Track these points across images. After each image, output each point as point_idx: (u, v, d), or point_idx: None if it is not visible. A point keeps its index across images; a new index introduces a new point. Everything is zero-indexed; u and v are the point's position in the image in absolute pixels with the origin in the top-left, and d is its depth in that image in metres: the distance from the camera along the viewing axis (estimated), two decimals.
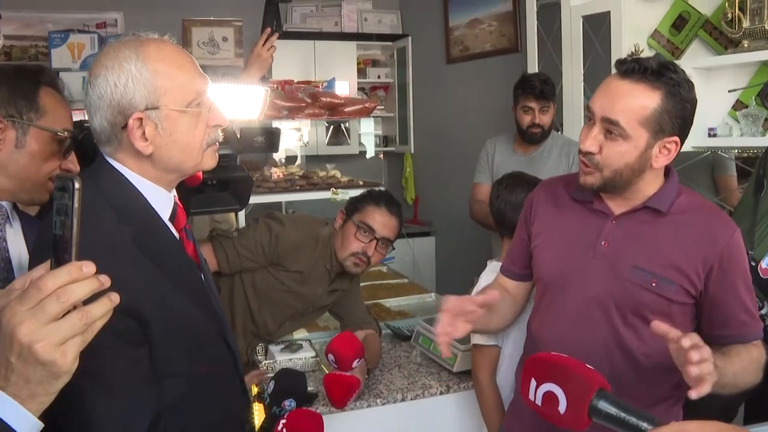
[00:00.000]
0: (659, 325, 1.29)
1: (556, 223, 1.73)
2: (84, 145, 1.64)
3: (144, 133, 1.23)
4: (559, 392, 1.12)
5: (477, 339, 2.08)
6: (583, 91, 3.61)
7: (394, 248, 2.49)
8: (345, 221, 2.45)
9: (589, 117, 1.57)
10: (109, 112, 1.23)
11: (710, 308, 1.58)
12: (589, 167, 1.56)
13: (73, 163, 1.59)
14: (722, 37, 3.14)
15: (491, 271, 2.13)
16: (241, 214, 3.07)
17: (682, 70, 1.53)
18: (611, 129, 1.51)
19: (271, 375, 1.96)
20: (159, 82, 1.23)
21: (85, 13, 4.98)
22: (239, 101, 2.17)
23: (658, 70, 1.49)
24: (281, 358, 2.37)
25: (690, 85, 1.54)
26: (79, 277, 0.81)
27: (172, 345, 1.24)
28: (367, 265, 2.43)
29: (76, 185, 0.82)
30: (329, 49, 5.58)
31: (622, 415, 1.06)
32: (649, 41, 3.45)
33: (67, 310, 0.81)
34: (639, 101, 1.49)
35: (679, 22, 3.33)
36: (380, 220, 2.39)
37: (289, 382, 1.74)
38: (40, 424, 0.85)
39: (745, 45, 2.94)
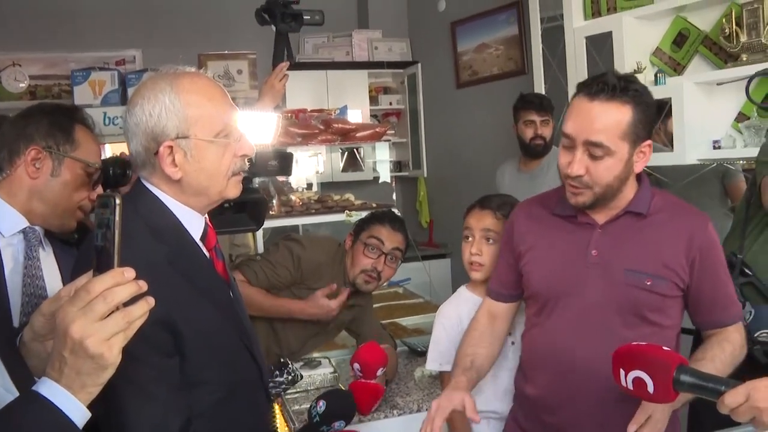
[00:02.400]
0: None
1: (543, 240, 1.80)
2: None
3: (174, 159, 1.32)
4: (644, 376, 1.26)
5: (446, 366, 2.11)
6: None
7: (402, 261, 2.58)
8: (354, 242, 2.56)
9: (564, 145, 1.64)
10: (144, 138, 1.33)
11: (696, 297, 1.67)
12: (580, 188, 1.64)
13: None
14: (722, 51, 3.21)
15: (464, 300, 2.16)
16: (259, 236, 3.17)
17: (637, 80, 1.63)
18: (595, 151, 1.58)
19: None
20: (190, 113, 1.32)
21: (106, 51, 5.14)
22: (253, 127, 2.27)
23: (623, 86, 1.58)
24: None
25: (648, 91, 1.64)
26: (122, 281, 0.92)
27: (203, 356, 1.33)
28: (379, 280, 2.54)
29: (117, 201, 0.93)
30: (341, 78, 5.72)
31: (702, 382, 1.20)
32: (651, 59, 3.53)
33: (112, 310, 0.91)
34: (615, 118, 1.57)
35: (679, 39, 3.41)
36: (386, 235, 2.51)
37: (341, 404, 1.81)
38: (88, 414, 0.95)
39: (744, 59, 3.00)
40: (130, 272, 0.93)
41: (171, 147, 1.32)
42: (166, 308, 1.13)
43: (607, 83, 1.57)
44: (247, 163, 1.44)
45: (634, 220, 1.69)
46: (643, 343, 1.34)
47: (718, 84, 3.20)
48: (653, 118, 1.65)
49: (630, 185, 1.68)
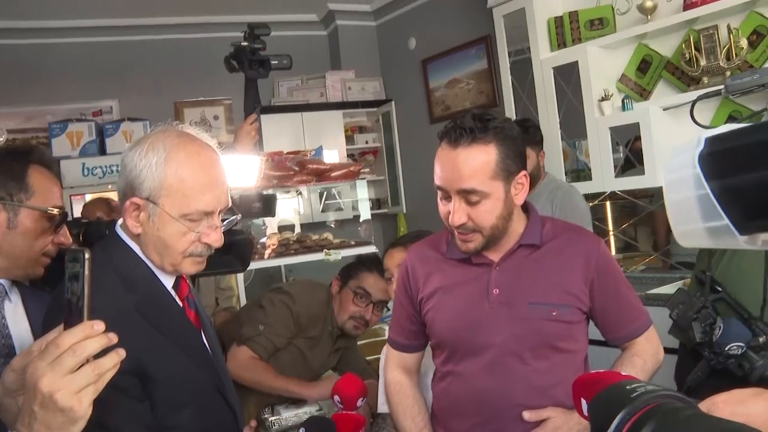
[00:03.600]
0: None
1: (442, 285, 1.74)
2: (85, 239, 1.73)
3: (139, 215, 1.34)
4: None
5: None
6: (560, 136, 3.78)
7: (389, 309, 2.61)
8: (342, 287, 2.59)
9: (440, 196, 1.64)
10: (124, 182, 1.35)
11: (603, 316, 1.69)
12: (467, 235, 1.62)
13: (65, 236, 1.62)
14: (684, 76, 3.32)
15: None
16: (240, 278, 3.19)
17: (496, 116, 1.62)
18: (470, 198, 1.57)
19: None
20: (168, 183, 1.32)
21: (82, 103, 5.19)
22: (236, 170, 2.31)
23: (482, 126, 1.55)
24: (287, 414, 2.44)
25: (510, 123, 1.64)
26: (91, 334, 0.91)
27: (173, 400, 1.34)
28: (366, 326, 2.58)
29: (86, 255, 0.93)
30: (317, 120, 5.76)
31: None
32: (617, 85, 3.64)
33: (81, 363, 0.90)
34: (481, 160, 1.55)
35: (643, 65, 3.53)
36: (374, 284, 2.54)
37: (320, 431, 1.80)
38: None
39: (705, 81, 3.11)
40: (99, 325, 0.92)
41: (138, 205, 1.33)
42: (135, 355, 1.13)
43: (465, 128, 1.55)
44: (211, 250, 1.41)
45: (528, 252, 1.68)
46: (602, 370, 1.32)
47: (665, 110, 3.29)
48: (522, 150, 1.63)
49: (518, 219, 1.67)
